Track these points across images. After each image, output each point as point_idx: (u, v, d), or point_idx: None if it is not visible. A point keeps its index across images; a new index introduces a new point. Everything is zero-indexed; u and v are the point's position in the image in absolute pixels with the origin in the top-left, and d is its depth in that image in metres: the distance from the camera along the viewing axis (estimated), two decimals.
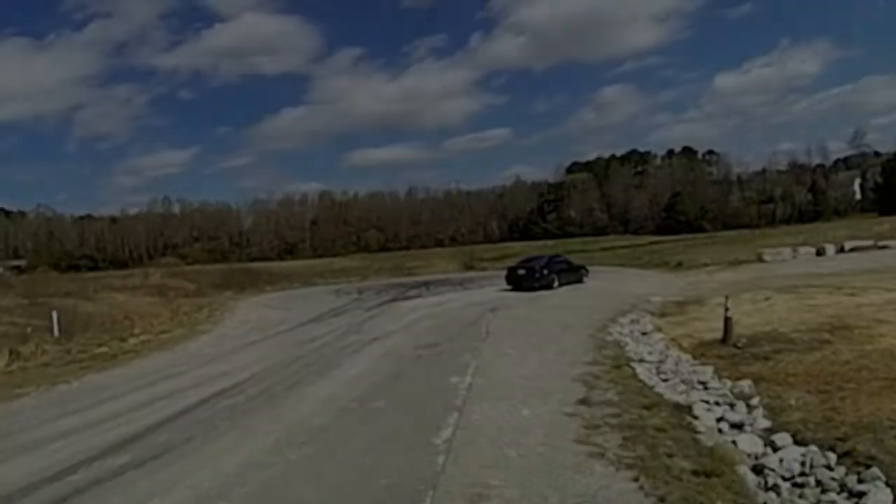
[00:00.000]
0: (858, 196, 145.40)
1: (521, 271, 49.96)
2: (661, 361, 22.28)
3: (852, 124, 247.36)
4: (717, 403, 16.69)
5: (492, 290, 49.79)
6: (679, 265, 63.78)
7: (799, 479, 12.02)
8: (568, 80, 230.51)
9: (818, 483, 11.82)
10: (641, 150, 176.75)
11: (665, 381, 19.58)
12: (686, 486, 10.76)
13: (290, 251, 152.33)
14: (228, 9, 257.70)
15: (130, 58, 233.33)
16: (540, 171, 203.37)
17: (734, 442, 13.89)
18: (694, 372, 20.41)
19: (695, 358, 22.54)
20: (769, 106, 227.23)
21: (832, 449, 12.84)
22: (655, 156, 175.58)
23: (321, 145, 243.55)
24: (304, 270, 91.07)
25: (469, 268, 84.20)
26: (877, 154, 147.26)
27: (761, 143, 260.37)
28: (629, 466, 11.52)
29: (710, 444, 13.24)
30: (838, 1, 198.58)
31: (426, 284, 62.06)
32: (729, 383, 18.67)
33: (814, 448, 12.97)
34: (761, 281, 42.51)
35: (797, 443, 13.54)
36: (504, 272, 52.43)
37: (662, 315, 33.28)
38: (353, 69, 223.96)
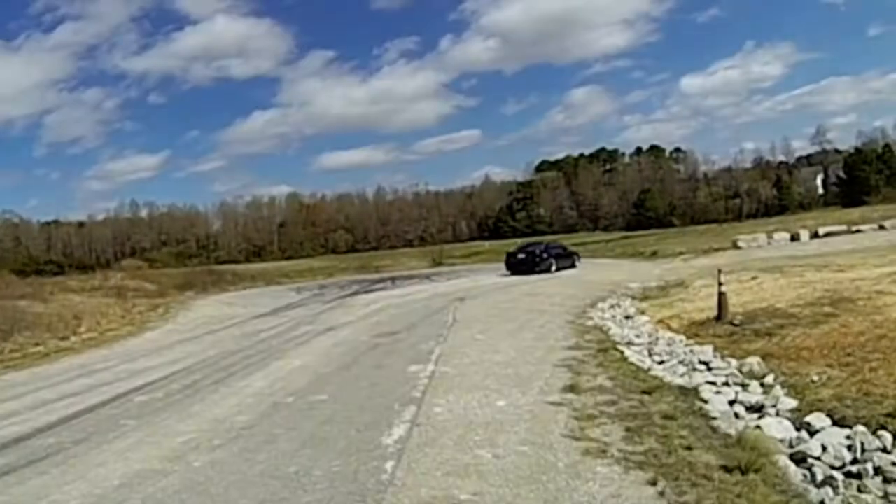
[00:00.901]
0: (821, 191, 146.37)
1: (521, 255, 50.29)
2: (651, 343, 20.35)
3: (813, 124, 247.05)
4: (726, 384, 14.63)
5: (460, 281, 47.68)
6: (654, 254, 62.28)
7: (853, 468, 9.65)
8: (538, 81, 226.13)
9: (878, 471, 9.41)
10: (610, 148, 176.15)
11: (661, 363, 17.47)
12: (720, 487, 8.10)
13: (258, 254, 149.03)
14: (199, 11, 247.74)
15: (101, 61, 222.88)
16: (510, 171, 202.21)
17: (758, 427, 11.37)
18: (691, 352, 18.28)
19: (689, 338, 20.56)
20: (734, 107, 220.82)
21: (883, 427, 10.73)
22: (624, 154, 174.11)
23: (291, 148, 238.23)
24: (271, 271, 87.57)
25: (438, 264, 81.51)
26: (837, 151, 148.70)
27: (726, 142, 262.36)
28: (640, 465, 8.85)
29: (732, 431, 10.85)
30: (801, 6, 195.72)
31: (392, 279, 59.26)
32: (734, 362, 16.57)
33: (860, 428, 10.78)
34: (741, 264, 40.09)
35: (837, 423, 11.37)
36: (476, 267, 53.03)
37: (644, 299, 31.45)
38: (323, 72, 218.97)
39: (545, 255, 49.54)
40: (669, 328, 23.02)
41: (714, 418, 11.40)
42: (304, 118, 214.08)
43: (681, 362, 17.25)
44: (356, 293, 45.89)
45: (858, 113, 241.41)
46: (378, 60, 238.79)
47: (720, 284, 23.11)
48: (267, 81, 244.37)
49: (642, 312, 27.15)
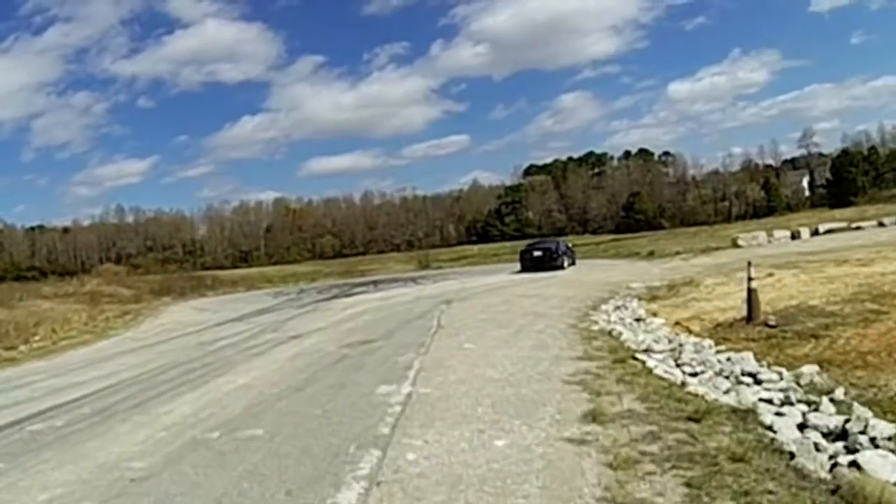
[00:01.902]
0: (807, 193, 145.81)
1: (537, 253, 50.22)
2: (675, 350, 17.30)
3: (797, 129, 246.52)
4: (786, 402, 11.75)
5: (447, 283, 44.18)
6: (651, 254, 59.26)
7: None
8: (527, 87, 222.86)
9: None
10: (598, 152, 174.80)
11: (693, 374, 14.26)
12: None
13: (244, 259, 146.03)
14: (190, 15, 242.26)
15: (90, 64, 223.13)
16: (498, 176, 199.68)
17: (855, 464, 7.88)
18: (729, 360, 15.68)
19: (717, 343, 18.36)
20: (720, 112, 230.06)
21: None
22: (612, 158, 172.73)
23: (280, 154, 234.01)
24: (254, 276, 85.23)
25: (424, 267, 78.21)
26: (821, 155, 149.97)
27: (712, 147, 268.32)
28: None
29: (822, 472, 7.56)
30: (786, 15, 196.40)
31: (374, 282, 55.62)
32: (786, 373, 14.35)
33: None
34: (746, 262, 36.51)
35: None
36: (463, 270, 51.97)
37: (653, 299, 28.75)
38: (312, 77, 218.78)
39: (560, 253, 50.08)
40: (690, 331, 20.67)
41: (792, 454, 7.88)
42: (293, 123, 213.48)
43: (720, 374, 14.25)
44: (335, 297, 42.44)
45: (841, 119, 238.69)
46: (368, 66, 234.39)
47: (750, 280, 20.61)
48: (256, 86, 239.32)
49: (654, 314, 24.38)
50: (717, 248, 56.26)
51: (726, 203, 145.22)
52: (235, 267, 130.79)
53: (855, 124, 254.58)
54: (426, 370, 14.17)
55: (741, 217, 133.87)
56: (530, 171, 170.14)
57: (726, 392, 12.40)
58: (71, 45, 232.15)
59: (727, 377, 13.89)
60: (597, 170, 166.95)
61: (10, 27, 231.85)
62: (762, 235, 60.63)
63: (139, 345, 26.31)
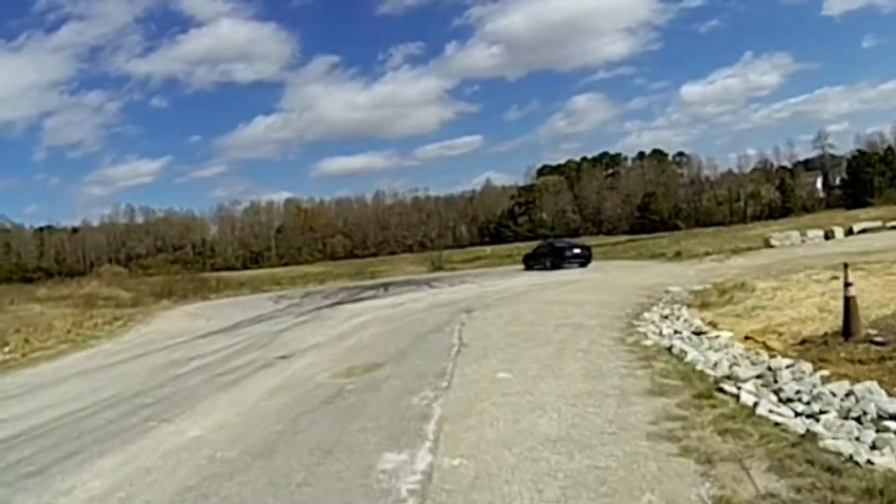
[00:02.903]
0: (821, 194, 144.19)
1: (576, 250, 53.05)
2: (764, 376, 13.05)
3: (808, 132, 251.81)
4: None
5: (464, 287, 39.88)
6: (678, 255, 55.32)
7: None
8: (540, 88, 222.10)
9: None
10: (612, 152, 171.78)
11: (814, 416, 10.03)
12: None
13: (255, 260, 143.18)
14: (204, 14, 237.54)
15: (103, 63, 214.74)
16: (511, 177, 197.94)
17: None
18: (850, 395, 10.89)
19: (815, 364, 13.69)
20: (732, 114, 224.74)
21: None
22: (626, 158, 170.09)
23: (293, 154, 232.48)
24: (262, 278, 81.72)
25: (437, 269, 74.41)
26: (832, 157, 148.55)
27: (723, 149, 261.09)
28: None
29: None
30: (798, 18, 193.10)
31: (385, 285, 51.17)
32: None
33: None
34: (791, 263, 35.06)
35: None
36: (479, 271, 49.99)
37: (704, 306, 24.40)
38: (326, 77, 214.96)
39: (586, 251, 52.31)
40: (767, 348, 16.51)
41: None
42: (306, 123, 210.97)
43: (847, 415, 9.93)
44: (341, 302, 38.07)
45: (851, 121, 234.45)
46: (382, 66, 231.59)
47: (848, 285, 16.27)
48: (270, 86, 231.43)
49: (713, 325, 20.21)
50: (748, 249, 53.08)
51: (741, 203, 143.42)
52: (246, 267, 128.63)
53: (865, 127, 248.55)
54: (451, 420, 10.00)
55: (757, 217, 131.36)
56: (544, 171, 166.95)
57: (875, 448, 8.43)
58: (84, 44, 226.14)
59: (858, 420, 9.67)
60: (611, 170, 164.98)
61: (23, 24, 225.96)
62: (795, 235, 57.17)
63: (106, 362, 22.60)
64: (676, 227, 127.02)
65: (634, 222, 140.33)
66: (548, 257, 52.32)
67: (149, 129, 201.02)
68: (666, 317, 22.27)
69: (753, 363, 14.21)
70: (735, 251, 52.13)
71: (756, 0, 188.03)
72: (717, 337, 17.72)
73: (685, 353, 15.16)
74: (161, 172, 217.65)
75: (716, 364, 14.05)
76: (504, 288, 35.58)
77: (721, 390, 11.22)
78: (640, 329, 18.87)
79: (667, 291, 29.52)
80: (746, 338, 17.79)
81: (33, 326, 35.91)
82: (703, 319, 21.38)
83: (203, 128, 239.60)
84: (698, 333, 18.79)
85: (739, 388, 11.26)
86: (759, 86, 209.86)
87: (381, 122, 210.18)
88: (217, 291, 62.93)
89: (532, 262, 54.24)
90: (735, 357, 15.02)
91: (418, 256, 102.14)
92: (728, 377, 12.63)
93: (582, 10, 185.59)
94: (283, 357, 18.45)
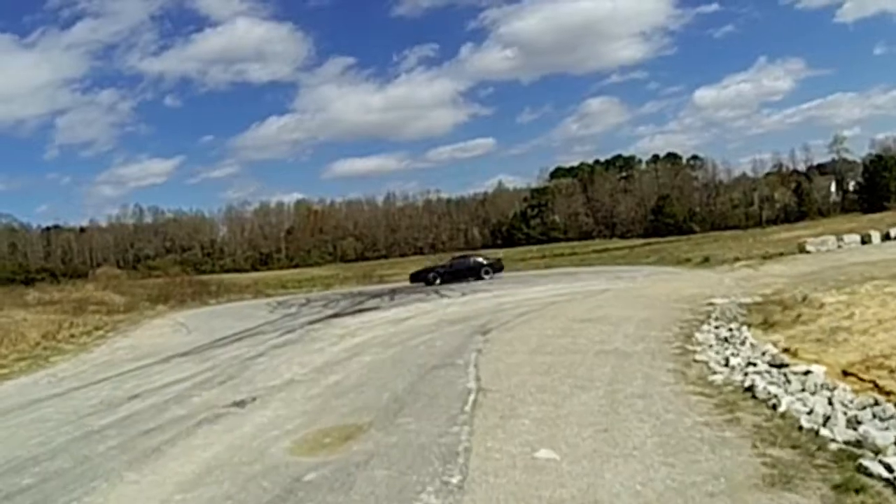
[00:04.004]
0: (836, 198, 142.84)
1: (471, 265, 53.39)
2: None
3: (820, 137, 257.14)
4: None
5: (478, 297, 35.34)
6: (706, 260, 51.71)
7: None
8: (554, 91, 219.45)
9: None
10: (626, 155, 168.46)
11: None
12: None
13: (264, 261, 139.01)
14: (220, 13, 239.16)
15: (116, 61, 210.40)
16: (523, 179, 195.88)
17: None
18: None
19: None
20: (745, 119, 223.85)
21: None
22: (640, 161, 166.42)
23: (305, 155, 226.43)
24: (269, 280, 77.65)
25: None
26: (846, 161, 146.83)
27: (735, 154, 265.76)
28: None
29: None
30: (812, 25, 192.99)
31: (392, 292, 46.56)
32: None
33: None
34: (843, 272, 31.80)
35: None
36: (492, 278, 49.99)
37: (768, 326, 20.19)
38: (340, 78, 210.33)
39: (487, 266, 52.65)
40: (881, 390, 12.52)
41: None
42: (319, 125, 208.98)
43: None
44: (338, 314, 33.08)
45: (862, 127, 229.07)
46: (396, 67, 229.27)
47: None
48: (284, 87, 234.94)
49: (793, 353, 15.91)
50: (780, 254, 49.92)
51: (756, 207, 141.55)
52: (255, 269, 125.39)
53: (876, 132, 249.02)
54: None
55: (772, 221, 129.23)
56: (557, 173, 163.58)
57: None
58: (99, 41, 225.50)
59: None
60: (624, 173, 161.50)
61: (37, 21, 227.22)
62: (831, 240, 53.56)
63: (38, 395, 18.05)
64: (691, 231, 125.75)
65: (648, 225, 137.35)
66: (440, 275, 51.72)
67: (161, 128, 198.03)
68: (725, 339, 18.28)
69: (881, 417, 10.37)
70: (766, 257, 49.15)
71: (771, 6, 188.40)
72: (808, 373, 13.49)
73: (775, 397, 11.61)
74: (173, 172, 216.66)
75: (827, 419, 10.38)
76: (523, 299, 31.15)
77: (865, 471, 7.95)
78: (699, 357, 15.52)
79: (711, 304, 25.80)
80: (845, 373, 13.94)
81: (4, 336, 32.55)
82: (774, 344, 17.11)
83: (216, 128, 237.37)
84: (779, 366, 14.53)
85: (883, 467, 7.96)
86: (772, 91, 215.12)
87: (395, 124, 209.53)
88: (217, 296, 58.59)
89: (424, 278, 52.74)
90: (847, 405, 11.32)
91: (429, 259, 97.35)
92: (858, 443, 9.16)
93: (597, 14, 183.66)
94: (241, 403, 13.87)
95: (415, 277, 53.20)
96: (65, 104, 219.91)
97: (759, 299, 26.52)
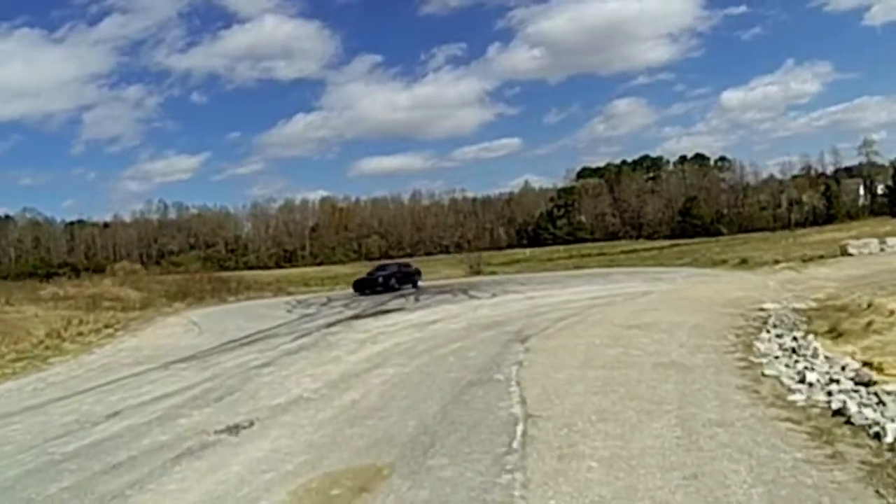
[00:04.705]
0: (864, 201, 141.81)
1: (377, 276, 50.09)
2: None
3: (846, 140, 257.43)
4: None
5: (510, 299, 32.83)
6: (743, 262, 50.15)
7: None
8: (580, 92, 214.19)
9: None
10: (653, 156, 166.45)
11: None
12: None
13: (288, 258, 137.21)
14: (249, 10, 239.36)
15: (144, 57, 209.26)
16: (549, 179, 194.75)
17: None
18: None
19: None
20: (771, 121, 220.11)
21: None
22: (668, 162, 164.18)
23: (331, 153, 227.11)
24: (293, 278, 76.04)
25: (476, 272, 67.93)
26: (874, 164, 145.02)
27: (761, 156, 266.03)
28: None
29: None
30: (840, 28, 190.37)
31: (417, 292, 44.33)
32: None
33: None
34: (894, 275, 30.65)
35: None
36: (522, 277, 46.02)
37: (836, 335, 18.64)
38: (368, 76, 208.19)
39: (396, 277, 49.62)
40: None
41: None
42: (346, 122, 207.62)
43: None
44: (358, 316, 30.47)
45: (889, 130, 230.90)
46: (423, 66, 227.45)
47: None
48: (311, 84, 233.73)
49: (877, 368, 14.02)
50: (821, 257, 48.41)
51: (785, 210, 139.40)
52: (279, 266, 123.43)
53: None
54: None
55: (800, 224, 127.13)
56: (583, 173, 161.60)
57: None
58: (126, 37, 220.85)
59: None
60: (651, 174, 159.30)
61: (65, 16, 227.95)
62: (874, 243, 52.15)
63: (16, 407, 15.62)
64: (719, 233, 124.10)
65: (676, 227, 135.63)
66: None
67: (188, 124, 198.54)
68: (793, 351, 16.25)
69: None
70: (806, 259, 47.69)
71: (799, 8, 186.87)
72: None
73: (876, 424, 9.76)
74: (199, 169, 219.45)
75: None
76: (559, 301, 28.83)
77: None
78: (768, 371, 13.72)
79: (762, 310, 24.05)
80: None
81: (9, 333, 31.36)
82: (851, 356, 15.34)
83: (243, 125, 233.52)
84: (866, 384, 12.59)
85: None
86: (799, 93, 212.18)
87: (421, 123, 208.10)
88: (236, 293, 57.09)
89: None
90: None
91: (455, 258, 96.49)
92: None
93: (625, 15, 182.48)
94: (235, 429, 11.27)
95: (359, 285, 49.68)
96: (92, 99, 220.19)
97: (813, 304, 25.25)
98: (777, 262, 47.43)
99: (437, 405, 11.65)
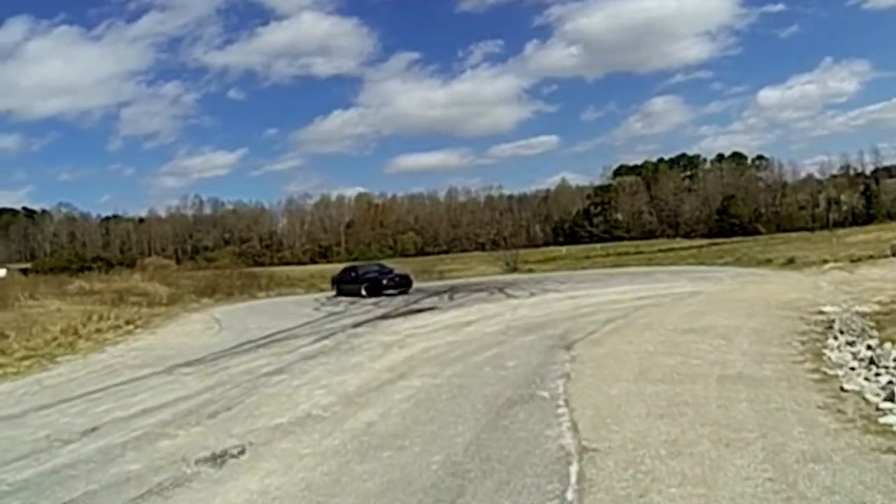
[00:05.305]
0: None
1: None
2: None
3: (884, 140, 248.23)
4: None
5: (549, 298, 30.66)
6: (790, 262, 47.54)
7: None
8: (618, 90, 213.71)
9: None
10: (690, 154, 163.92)
11: None
12: None
13: (323, 254, 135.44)
14: (286, 7, 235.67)
15: (181, 54, 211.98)
16: (585, 177, 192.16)
17: None
18: None
19: None
20: (809, 120, 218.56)
21: None
22: (705, 160, 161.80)
23: (368, 150, 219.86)
24: (327, 274, 70.51)
25: (513, 270, 65.65)
26: None
27: (798, 155, 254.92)
28: None
29: None
30: (879, 25, 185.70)
31: (451, 290, 41.76)
32: None
33: None
34: None
35: None
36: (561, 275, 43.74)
37: None
38: (405, 73, 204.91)
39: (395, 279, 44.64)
40: None
41: None
42: (383, 119, 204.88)
43: None
44: (388, 315, 28.36)
45: None
46: (461, 63, 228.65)
47: None
48: (349, 81, 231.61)
49: None
50: (871, 257, 45.73)
51: (824, 209, 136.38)
52: (314, 262, 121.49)
53: None
54: None
55: (840, 224, 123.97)
56: (620, 171, 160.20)
57: None
58: (164, 34, 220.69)
59: None
60: (688, 172, 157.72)
61: (103, 13, 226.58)
62: None
63: None
64: (757, 232, 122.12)
65: (713, 225, 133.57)
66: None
67: (225, 121, 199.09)
68: (871, 362, 14.19)
69: None
70: (856, 259, 45.07)
71: (837, 6, 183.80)
72: None
73: None
74: (236, 165, 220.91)
75: None
76: (603, 302, 26.65)
77: None
78: (847, 385, 11.79)
79: (821, 313, 22.06)
80: None
81: (26, 328, 30.37)
82: None
83: (280, 121, 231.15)
84: None
85: None
86: (837, 92, 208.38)
87: (458, 120, 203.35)
88: (267, 289, 55.55)
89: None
90: None
91: (491, 255, 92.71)
92: None
93: (662, 13, 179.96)
94: (221, 458, 9.17)
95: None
96: (129, 96, 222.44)
97: (878, 308, 23.23)
98: (825, 261, 45.25)
99: (470, 432, 9.52)
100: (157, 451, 9.81)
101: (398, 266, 56.19)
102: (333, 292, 45.60)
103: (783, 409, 10.08)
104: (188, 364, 18.77)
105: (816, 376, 12.53)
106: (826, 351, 15.29)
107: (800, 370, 13.14)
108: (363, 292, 41.68)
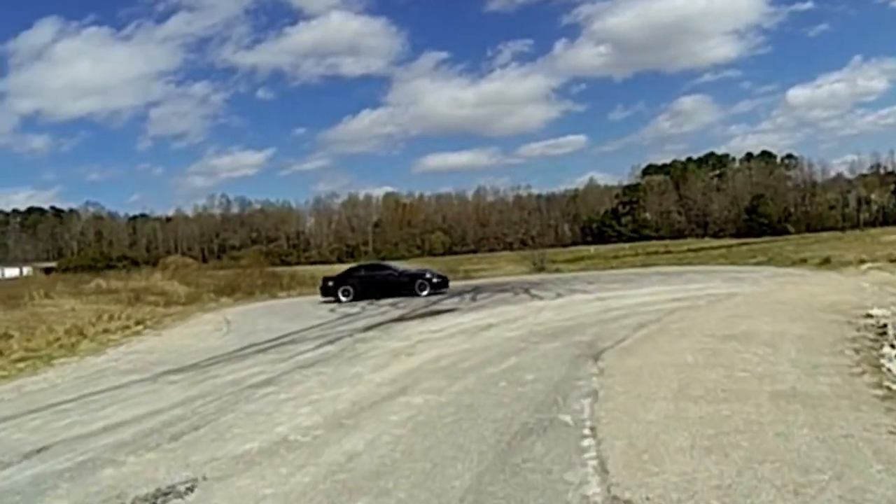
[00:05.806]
0: None
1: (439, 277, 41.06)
2: None
3: None
4: None
5: (577, 299, 28.80)
6: (826, 262, 45.59)
7: None
8: (646, 89, 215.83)
9: None
10: (719, 153, 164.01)
11: None
12: None
13: (351, 254, 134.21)
14: (315, 7, 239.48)
15: (210, 54, 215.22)
16: (614, 176, 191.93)
17: None
18: None
19: None
20: (838, 119, 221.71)
21: None
22: (734, 159, 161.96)
23: (396, 149, 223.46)
24: None
25: (540, 270, 63.47)
26: None
27: (828, 154, 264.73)
28: None
29: None
30: None
31: (474, 290, 39.41)
32: None
33: None
34: None
35: None
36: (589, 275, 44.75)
37: None
38: (434, 73, 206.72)
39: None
40: None
41: None
42: (411, 119, 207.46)
43: None
44: (404, 318, 26.62)
45: None
46: (490, 63, 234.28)
47: None
48: (377, 81, 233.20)
49: None
50: None
51: (854, 208, 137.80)
52: (341, 261, 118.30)
53: None
54: None
55: (870, 223, 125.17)
56: (649, 170, 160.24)
57: None
58: (193, 35, 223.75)
59: None
60: (717, 171, 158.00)
61: (133, 14, 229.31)
62: None
63: None
64: (786, 231, 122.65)
65: (742, 225, 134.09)
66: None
67: (254, 120, 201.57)
68: None
69: None
70: (894, 259, 43.14)
71: (867, 4, 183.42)
72: None
73: None
74: (264, 164, 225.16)
75: None
76: (634, 304, 24.71)
77: None
78: None
79: (869, 316, 19.96)
80: None
81: (32, 328, 30.27)
82: None
83: (308, 121, 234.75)
84: None
85: None
86: (866, 91, 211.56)
87: (487, 120, 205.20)
88: (288, 289, 55.30)
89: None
90: None
91: (518, 255, 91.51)
92: None
93: (691, 12, 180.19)
94: (160, 501, 7.24)
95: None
96: (158, 96, 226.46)
97: None
98: (862, 261, 43.46)
99: (471, 472, 7.54)
100: (96, 482, 8.13)
101: (427, 265, 54.80)
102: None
103: (851, 437, 8.35)
104: (179, 370, 17.29)
105: (880, 392, 10.88)
106: (884, 361, 13.39)
107: (860, 384, 11.47)
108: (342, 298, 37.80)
